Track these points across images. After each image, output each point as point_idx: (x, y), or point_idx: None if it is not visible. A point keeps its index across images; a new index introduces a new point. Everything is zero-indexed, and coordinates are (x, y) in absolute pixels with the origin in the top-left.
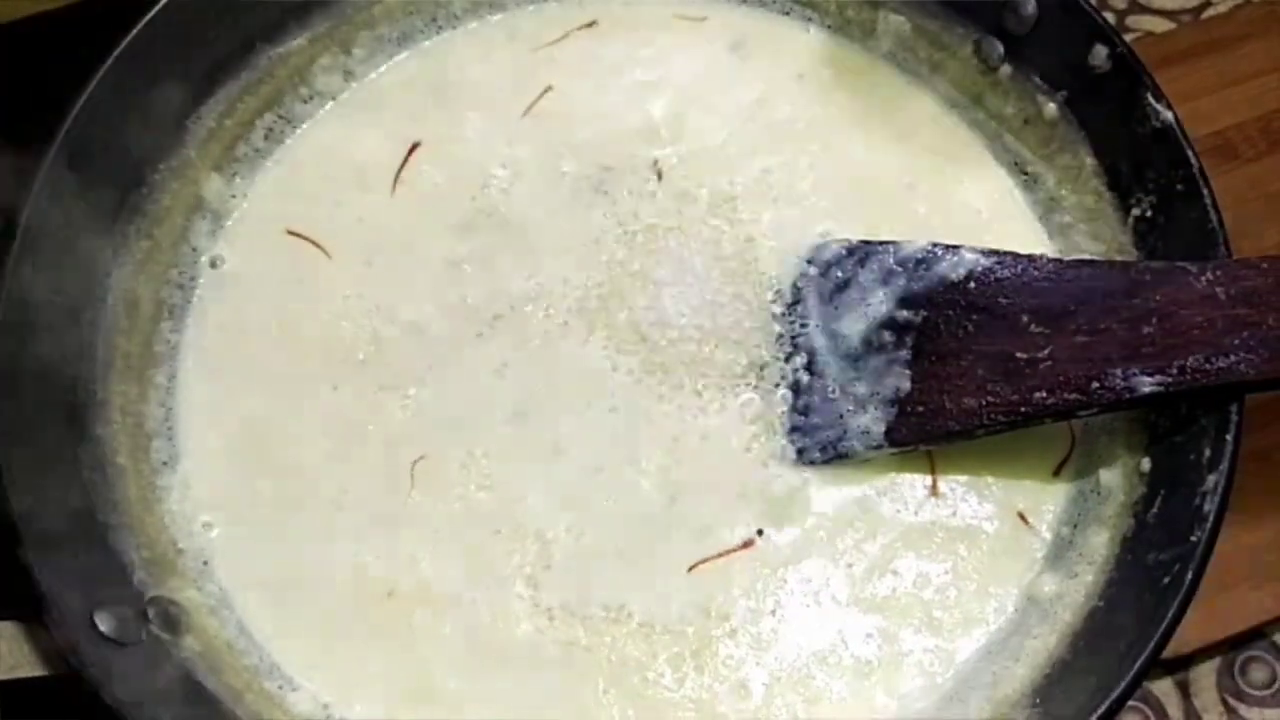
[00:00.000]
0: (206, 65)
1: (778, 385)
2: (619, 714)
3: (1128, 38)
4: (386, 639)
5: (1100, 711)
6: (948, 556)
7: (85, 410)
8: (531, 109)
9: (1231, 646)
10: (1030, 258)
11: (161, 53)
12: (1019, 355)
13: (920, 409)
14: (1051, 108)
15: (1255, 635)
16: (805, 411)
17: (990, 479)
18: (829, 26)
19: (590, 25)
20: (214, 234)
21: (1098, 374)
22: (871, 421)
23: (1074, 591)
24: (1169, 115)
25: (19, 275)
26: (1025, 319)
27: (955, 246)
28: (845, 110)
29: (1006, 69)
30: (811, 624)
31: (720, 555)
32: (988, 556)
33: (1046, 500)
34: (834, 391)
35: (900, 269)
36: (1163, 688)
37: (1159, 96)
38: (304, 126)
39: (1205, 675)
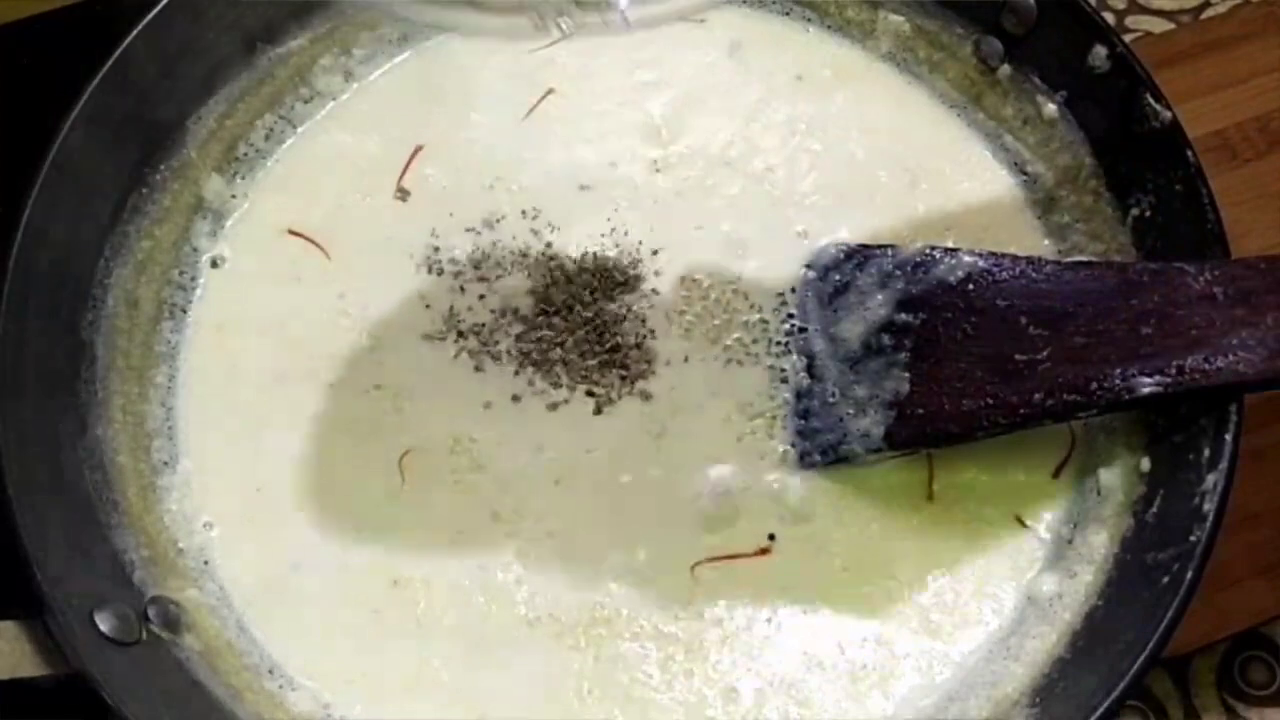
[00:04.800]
0: (207, 65)
1: (779, 388)
2: (604, 714)
3: (1127, 38)
4: (389, 631)
5: (1100, 711)
6: (945, 559)
7: (86, 410)
8: (532, 112)
9: (1231, 646)
10: (1028, 259)
11: (162, 53)
12: (1018, 357)
13: (920, 411)
14: (1051, 108)
15: (1255, 635)
16: (806, 415)
17: (988, 481)
18: (829, 27)
19: None
20: (214, 234)
21: (1096, 375)
22: (871, 424)
23: (1073, 591)
24: (1168, 115)
25: (20, 275)
26: (1024, 321)
27: (953, 249)
28: (845, 110)
29: (1006, 69)
30: (806, 628)
31: (729, 558)
32: (985, 558)
33: (1045, 501)
34: (834, 395)
35: (899, 272)
36: (1163, 687)
37: (1158, 96)
38: (305, 127)
39: (1205, 675)
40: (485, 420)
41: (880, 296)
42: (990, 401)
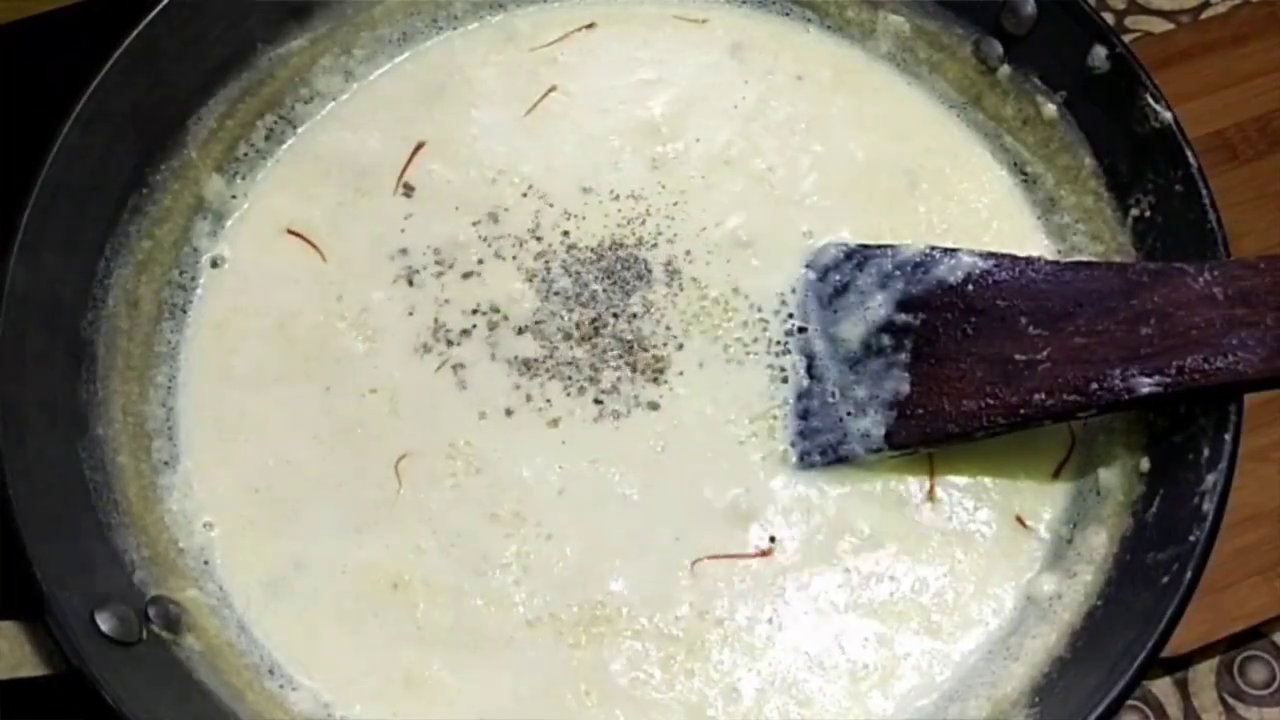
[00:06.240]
0: (207, 66)
1: (779, 388)
2: (604, 713)
3: (1126, 38)
4: (389, 631)
5: (1099, 711)
6: (945, 560)
7: (86, 410)
8: (534, 109)
9: (1230, 646)
10: (1028, 260)
11: (162, 53)
12: (1017, 357)
13: (920, 411)
14: (1050, 108)
15: (1254, 635)
16: (806, 415)
17: (989, 482)
18: (829, 27)
19: (590, 27)
20: (215, 234)
21: (1096, 375)
22: (871, 424)
23: (1073, 591)
24: (1168, 115)
25: (21, 275)
26: (1023, 321)
27: (953, 250)
28: (845, 111)
29: (1006, 69)
30: (807, 628)
31: (730, 558)
32: (985, 559)
33: (1045, 501)
34: (834, 395)
35: (898, 272)
36: (1162, 687)
37: (1158, 97)
38: (305, 127)
39: (1204, 675)
40: (482, 429)
41: (880, 297)
42: (990, 401)
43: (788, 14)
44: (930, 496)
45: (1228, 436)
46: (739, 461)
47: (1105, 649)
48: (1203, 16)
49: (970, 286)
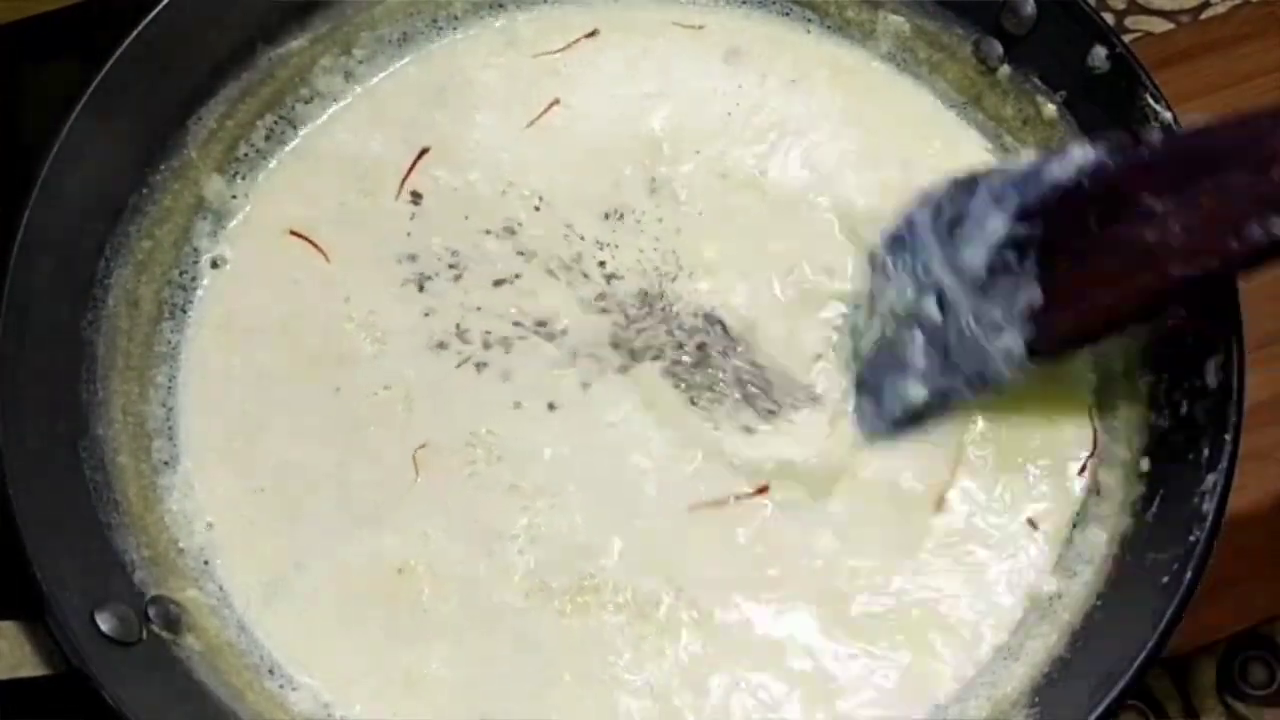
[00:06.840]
0: (207, 66)
1: (793, 383)
2: (604, 708)
3: (1126, 38)
4: (390, 628)
5: (1100, 711)
6: (944, 559)
7: (86, 410)
8: (537, 121)
9: (1231, 646)
10: (1137, 136)
11: (162, 53)
12: (1148, 237)
13: (1059, 316)
14: (1050, 108)
15: (1254, 635)
16: (946, 353)
17: (998, 482)
18: (828, 27)
19: (592, 34)
20: (215, 234)
21: (1233, 231)
22: (1012, 340)
23: (1073, 591)
24: (1168, 115)
25: (21, 275)
26: (1147, 199)
27: (1061, 151)
28: (845, 111)
29: (1006, 69)
30: (808, 628)
31: (728, 502)
32: (987, 558)
33: (1054, 503)
34: (969, 326)
35: (1011, 188)
36: (1162, 687)
37: (1158, 97)
38: (305, 127)
39: (1205, 675)
40: (509, 419)
41: (997, 216)
42: (1128, 287)
43: (787, 14)
44: (936, 496)
45: (1228, 436)
46: (739, 463)
47: (1105, 649)
48: (1203, 16)
49: (1085, 181)
